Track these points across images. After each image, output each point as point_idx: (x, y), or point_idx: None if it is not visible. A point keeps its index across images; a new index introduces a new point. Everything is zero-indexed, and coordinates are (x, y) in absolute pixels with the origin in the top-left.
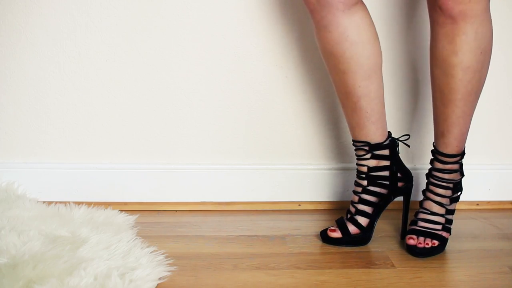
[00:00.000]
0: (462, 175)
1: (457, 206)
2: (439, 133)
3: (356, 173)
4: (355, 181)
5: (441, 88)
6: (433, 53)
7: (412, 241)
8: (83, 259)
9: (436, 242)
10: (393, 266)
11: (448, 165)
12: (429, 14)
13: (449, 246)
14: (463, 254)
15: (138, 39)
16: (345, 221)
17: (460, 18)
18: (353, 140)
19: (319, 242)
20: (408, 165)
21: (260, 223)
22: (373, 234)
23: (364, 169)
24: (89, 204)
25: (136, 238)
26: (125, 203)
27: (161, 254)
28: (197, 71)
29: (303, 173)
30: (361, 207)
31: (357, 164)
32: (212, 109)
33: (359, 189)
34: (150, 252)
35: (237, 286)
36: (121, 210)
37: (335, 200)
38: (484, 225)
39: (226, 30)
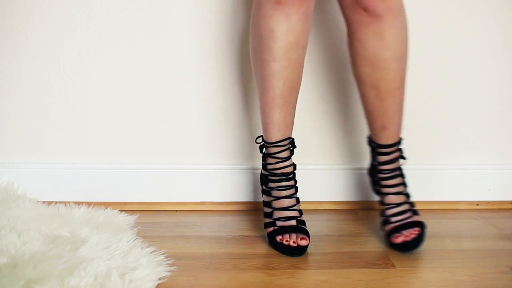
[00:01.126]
0: (404, 158)
1: (457, 206)
2: (378, 128)
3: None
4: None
5: (376, 84)
6: (360, 54)
7: (400, 238)
8: (83, 259)
9: (418, 229)
10: (393, 266)
11: (393, 154)
12: (348, 17)
13: (449, 245)
14: (463, 254)
15: (138, 39)
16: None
17: (386, 14)
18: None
19: (319, 242)
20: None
21: (260, 223)
22: None
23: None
24: (89, 204)
25: (136, 238)
26: (125, 203)
27: (161, 254)
28: (198, 71)
29: (300, 173)
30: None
31: None
32: (212, 109)
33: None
34: (150, 252)
35: (237, 286)
36: (121, 210)
37: (334, 200)
38: (484, 225)
39: (226, 30)
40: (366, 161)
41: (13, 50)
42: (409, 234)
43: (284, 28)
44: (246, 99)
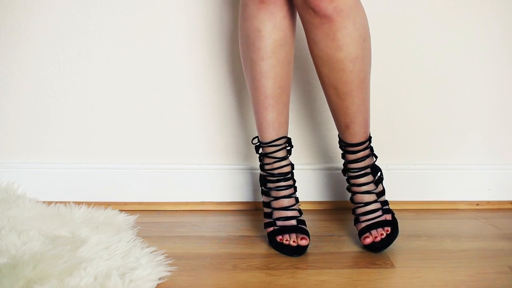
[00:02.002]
0: (375, 157)
1: (457, 206)
2: (343, 127)
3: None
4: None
5: (334, 84)
6: (316, 54)
7: (368, 239)
8: (83, 259)
9: (388, 228)
10: (393, 266)
11: (360, 153)
12: (300, 17)
13: (449, 245)
14: (463, 254)
15: (138, 39)
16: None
17: (336, 15)
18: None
19: (319, 242)
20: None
21: (260, 223)
22: None
23: None
24: (89, 204)
25: (136, 238)
26: (125, 203)
27: (161, 254)
28: (197, 71)
29: (302, 173)
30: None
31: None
32: (212, 109)
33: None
34: (150, 252)
35: (237, 286)
36: (121, 210)
37: (334, 200)
38: (484, 225)
39: (225, 29)
40: None
41: (13, 50)
42: (378, 235)
43: (270, 27)
44: (244, 99)
